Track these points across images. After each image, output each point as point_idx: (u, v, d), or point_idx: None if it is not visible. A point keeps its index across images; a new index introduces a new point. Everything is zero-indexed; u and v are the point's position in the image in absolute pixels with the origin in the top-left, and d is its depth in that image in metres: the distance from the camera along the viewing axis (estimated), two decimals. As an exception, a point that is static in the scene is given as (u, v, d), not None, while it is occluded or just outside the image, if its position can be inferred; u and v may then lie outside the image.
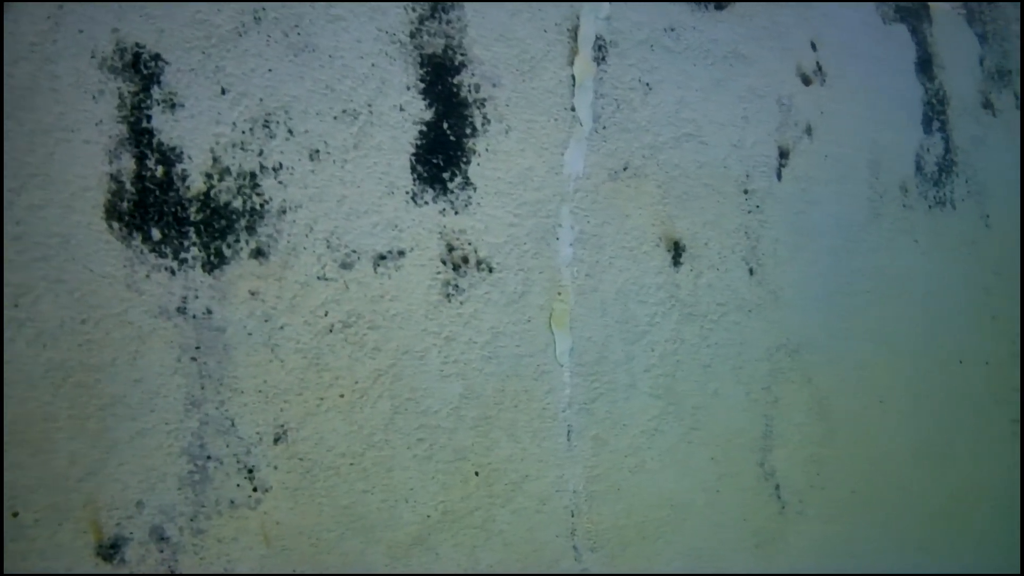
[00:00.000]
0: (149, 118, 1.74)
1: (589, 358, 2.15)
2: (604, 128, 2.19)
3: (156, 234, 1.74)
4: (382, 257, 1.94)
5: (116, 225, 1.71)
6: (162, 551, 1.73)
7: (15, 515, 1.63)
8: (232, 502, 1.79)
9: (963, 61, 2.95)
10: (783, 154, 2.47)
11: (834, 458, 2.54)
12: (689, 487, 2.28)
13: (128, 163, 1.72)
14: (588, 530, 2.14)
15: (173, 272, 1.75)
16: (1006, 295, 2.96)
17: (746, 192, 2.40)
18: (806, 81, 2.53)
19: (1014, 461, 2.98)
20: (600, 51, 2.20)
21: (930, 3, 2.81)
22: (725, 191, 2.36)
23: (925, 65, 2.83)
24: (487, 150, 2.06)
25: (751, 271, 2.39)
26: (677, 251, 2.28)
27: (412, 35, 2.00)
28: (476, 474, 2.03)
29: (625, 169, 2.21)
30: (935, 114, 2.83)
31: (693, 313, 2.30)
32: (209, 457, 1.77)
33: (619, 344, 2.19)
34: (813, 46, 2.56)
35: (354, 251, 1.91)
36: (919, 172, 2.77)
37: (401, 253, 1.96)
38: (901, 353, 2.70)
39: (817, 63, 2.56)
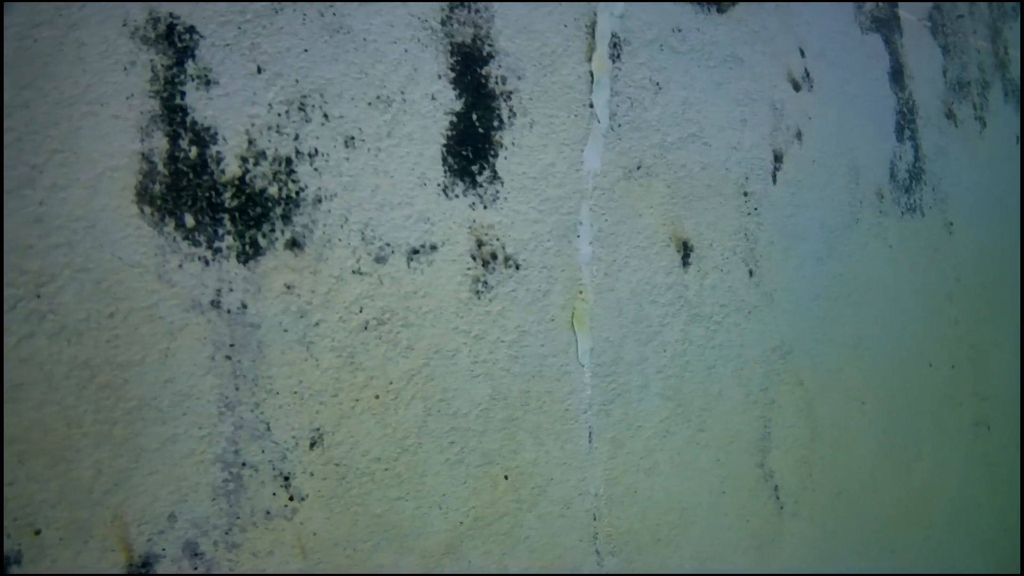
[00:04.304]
0: (183, 94, 1.41)
1: (606, 359, 1.86)
2: (619, 126, 1.91)
3: (189, 220, 1.41)
4: (415, 251, 1.63)
5: (147, 209, 1.37)
6: (196, 568, 1.40)
7: (37, 533, 1.28)
8: (268, 512, 1.46)
9: (928, 72, 2.74)
10: (777, 158, 2.20)
11: (822, 459, 2.29)
12: (696, 489, 2.00)
13: (160, 142, 1.39)
14: (608, 534, 1.85)
15: (207, 262, 1.42)
16: (966, 301, 2.76)
17: (745, 194, 2.12)
18: (796, 87, 2.27)
19: (975, 463, 2.78)
20: (615, 48, 1.92)
21: (901, 14, 2.61)
22: (726, 192, 2.09)
23: (897, 75, 2.61)
24: (513, 144, 1.76)
25: (750, 272, 2.12)
26: (686, 251, 2.00)
27: (443, 22, 1.69)
28: (505, 478, 1.72)
29: (638, 168, 1.93)
30: (906, 123, 2.61)
31: (699, 314, 2.02)
32: (244, 464, 1.44)
33: (634, 345, 1.91)
34: (802, 52, 2.31)
35: (388, 244, 1.60)
36: (892, 179, 2.54)
37: (433, 247, 1.65)
38: (877, 356, 2.47)
39: (805, 69, 2.31)
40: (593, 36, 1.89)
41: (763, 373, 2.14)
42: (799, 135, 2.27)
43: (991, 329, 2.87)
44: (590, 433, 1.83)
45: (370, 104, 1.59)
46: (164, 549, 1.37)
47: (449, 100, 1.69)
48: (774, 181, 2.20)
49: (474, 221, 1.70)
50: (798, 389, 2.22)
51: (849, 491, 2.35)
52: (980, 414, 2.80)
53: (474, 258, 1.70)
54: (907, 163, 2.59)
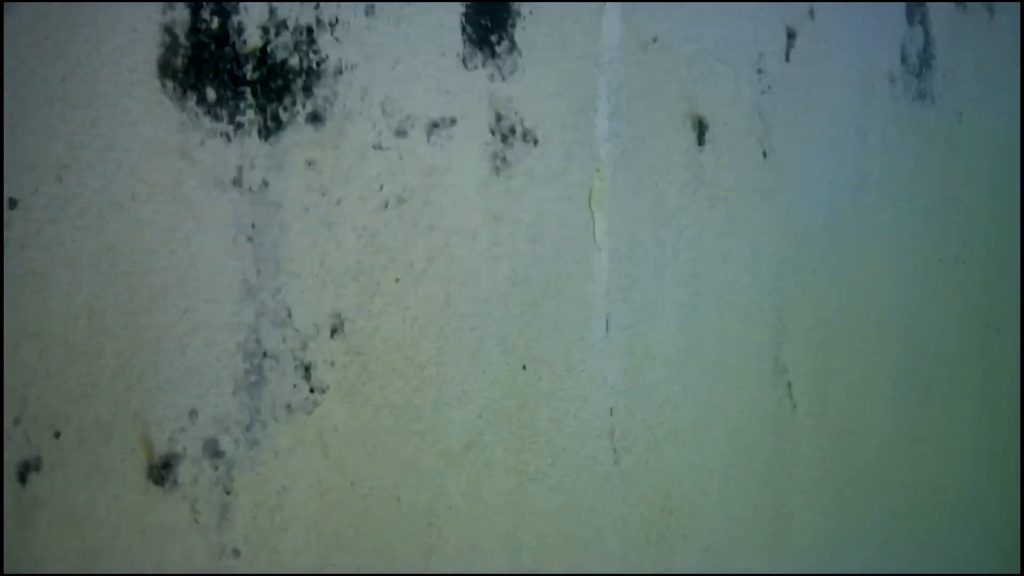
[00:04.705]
0: (204, -40, 1.39)
1: (623, 241, 1.88)
2: (635, -6, 1.91)
3: (211, 95, 1.38)
4: (435, 125, 1.62)
5: (169, 84, 1.35)
6: (217, 468, 1.40)
7: (57, 435, 1.27)
8: (288, 406, 1.46)
9: (938, -51, 2.76)
10: (790, 35, 2.20)
11: (834, 353, 2.35)
12: (711, 383, 2.04)
13: (183, 13, 1.36)
14: (625, 430, 1.89)
15: (228, 138, 1.40)
16: (976, 195, 2.80)
17: (759, 71, 2.14)
18: (810, -44, 2.29)
19: (990, 366, 2.85)
20: (629, -93, 1.91)
21: None
22: (740, 69, 2.09)
23: (909, -51, 2.63)
24: (531, 13, 1.75)
25: (764, 154, 2.15)
26: (701, 129, 2.02)
27: None
28: (524, 368, 1.76)
29: (655, 40, 1.92)
30: (916, 4, 2.63)
31: (715, 195, 2.05)
32: (265, 354, 1.44)
33: (650, 227, 1.94)
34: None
35: (408, 117, 1.58)
36: (904, 63, 2.56)
37: (453, 121, 1.64)
38: (888, 247, 2.50)
39: (818, -66, 2.32)
40: None
41: (778, 261, 2.18)
42: (811, 11, 2.28)
43: (995, 225, 2.90)
44: (607, 321, 1.86)
45: (391, -33, 1.58)
46: (185, 448, 1.36)
47: (468, -38, 1.68)
48: (787, 59, 2.21)
49: (493, 94, 1.70)
50: (812, 278, 2.26)
51: (862, 384, 2.42)
52: (991, 316, 2.85)
53: (493, 132, 1.70)
54: (917, 47, 2.60)
